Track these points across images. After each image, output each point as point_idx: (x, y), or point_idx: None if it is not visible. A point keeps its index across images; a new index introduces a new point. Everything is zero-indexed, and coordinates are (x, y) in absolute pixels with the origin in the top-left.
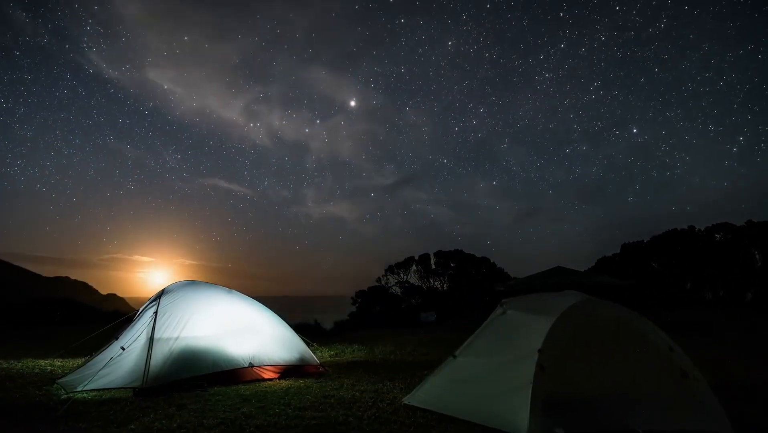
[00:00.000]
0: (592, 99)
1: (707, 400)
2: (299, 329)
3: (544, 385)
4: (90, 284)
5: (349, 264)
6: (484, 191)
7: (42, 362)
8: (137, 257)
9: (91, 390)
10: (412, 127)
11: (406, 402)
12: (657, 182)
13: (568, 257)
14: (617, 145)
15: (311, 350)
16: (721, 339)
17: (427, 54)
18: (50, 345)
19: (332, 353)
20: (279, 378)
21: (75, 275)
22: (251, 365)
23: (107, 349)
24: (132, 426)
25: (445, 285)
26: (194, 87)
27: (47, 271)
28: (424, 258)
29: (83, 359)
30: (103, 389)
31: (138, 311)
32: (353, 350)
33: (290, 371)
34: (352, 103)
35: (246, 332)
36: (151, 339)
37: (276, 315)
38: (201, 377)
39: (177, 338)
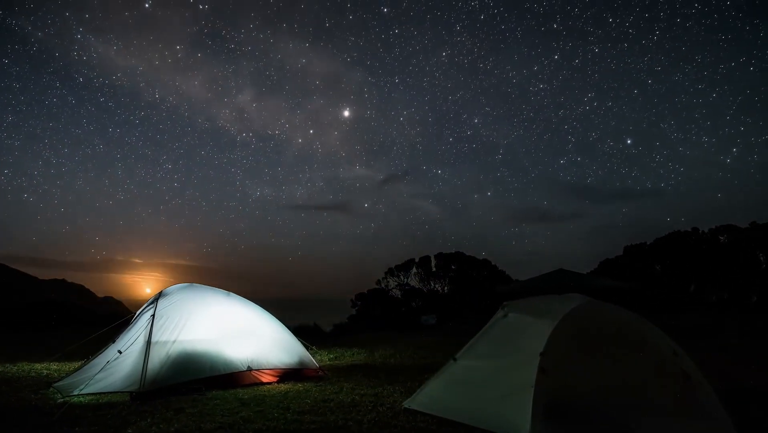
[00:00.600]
0: (586, 110)
1: (711, 404)
2: (298, 331)
3: (545, 389)
4: (86, 286)
5: (349, 266)
6: (480, 200)
7: (38, 366)
8: (132, 260)
9: (88, 394)
10: (406, 137)
11: (406, 406)
12: (652, 193)
13: (571, 259)
14: (612, 156)
15: (310, 354)
16: (725, 342)
17: (421, 64)
18: (46, 348)
19: (332, 356)
20: (278, 382)
21: (72, 277)
22: (250, 369)
23: (104, 352)
24: (129, 431)
25: (445, 288)
26: (186, 96)
27: (43, 274)
28: (425, 260)
29: (80, 363)
30: (100, 393)
31: (135, 313)
32: (353, 354)
33: (289, 374)
34: (346, 113)
35: (244, 335)
36: (148, 342)
37: (274, 318)
38: (199, 380)
39: (174, 342)
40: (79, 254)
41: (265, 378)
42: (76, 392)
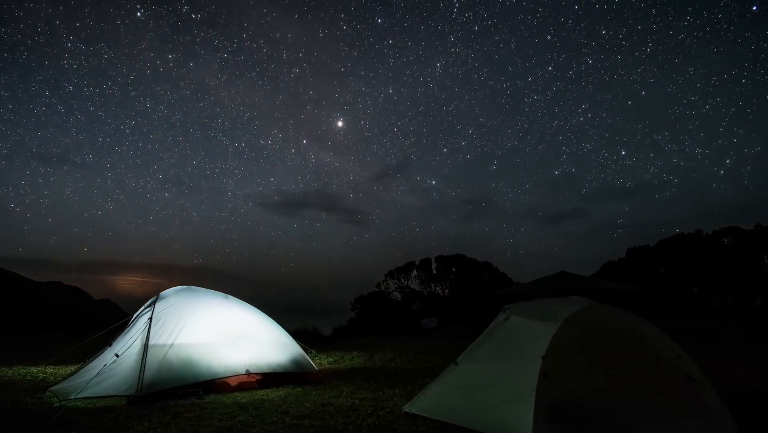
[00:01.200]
0: (581, 121)
1: (715, 408)
2: (297, 335)
3: (547, 392)
4: (83, 289)
5: (348, 269)
6: (475, 210)
7: (34, 369)
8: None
9: (85, 398)
10: (401, 147)
11: (406, 410)
12: (646, 204)
13: (573, 261)
14: (606, 167)
15: (309, 357)
16: (729, 345)
17: (415, 75)
18: (42, 352)
19: (331, 359)
20: (276, 386)
21: (68, 279)
22: (248, 372)
23: (101, 356)
24: None
25: (446, 290)
26: (178, 105)
27: (40, 275)
28: (425, 263)
29: (76, 366)
30: (97, 397)
31: (132, 316)
32: (352, 357)
33: (288, 378)
34: (340, 124)
35: (243, 338)
36: (145, 346)
37: (273, 321)
38: (197, 384)
39: (172, 345)
40: (65, 264)
41: (264, 382)
42: (72, 396)
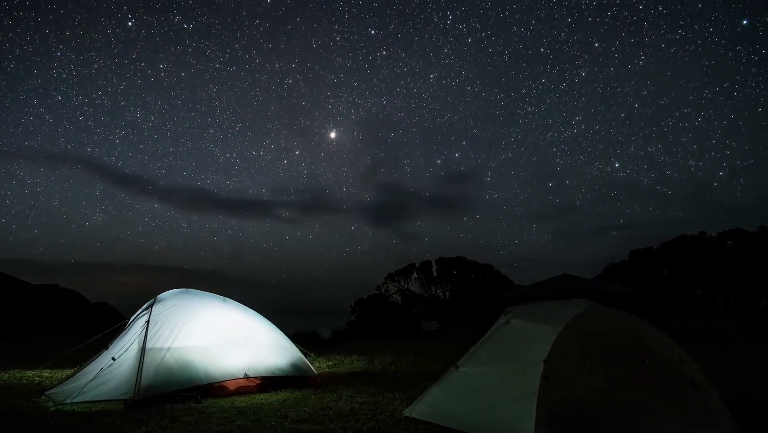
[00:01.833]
0: (574, 133)
1: (718, 412)
2: (296, 338)
3: (549, 396)
4: (80, 291)
5: (348, 271)
6: (470, 221)
7: (30, 373)
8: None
9: (81, 402)
10: (394, 158)
11: (406, 414)
12: (640, 216)
13: (575, 263)
14: (600, 179)
15: (309, 361)
16: (733, 349)
17: (408, 86)
18: (38, 355)
19: (330, 363)
20: (275, 390)
21: (64, 282)
22: (246, 376)
23: (97, 359)
24: None
25: (447, 293)
26: (169, 116)
27: (35, 278)
28: (426, 265)
29: (72, 370)
30: (93, 402)
31: (129, 319)
32: (352, 361)
33: (287, 382)
34: (333, 135)
35: (241, 341)
36: (142, 349)
37: (272, 324)
38: (194, 388)
39: (170, 348)
40: (59, 266)
41: (263, 386)
42: (69, 401)
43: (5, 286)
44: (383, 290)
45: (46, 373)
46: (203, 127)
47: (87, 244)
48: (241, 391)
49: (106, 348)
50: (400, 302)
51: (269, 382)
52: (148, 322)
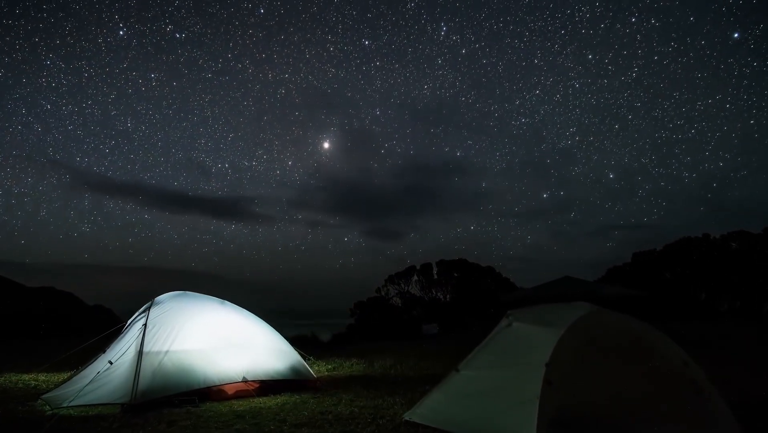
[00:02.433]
0: (568, 144)
1: (722, 416)
2: (295, 341)
3: (551, 400)
4: (76, 294)
5: (348, 274)
6: (464, 233)
7: (26, 377)
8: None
9: (78, 406)
10: (388, 169)
11: (406, 418)
12: (634, 228)
13: (577, 266)
14: (593, 190)
15: (308, 364)
16: (737, 353)
17: (402, 97)
18: (34, 359)
19: (330, 367)
20: (274, 393)
21: (61, 285)
22: (245, 380)
23: (94, 363)
24: None
25: (448, 296)
26: (160, 125)
27: (31, 280)
28: (426, 268)
29: (69, 374)
30: (90, 405)
31: (126, 323)
32: (351, 364)
33: (286, 385)
34: (326, 145)
35: (239, 345)
36: (140, 353)
37: (271, 327)
38: (192, 392)
39: (167, 352)
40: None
41: (261, 390)
42: (65, 404)
43: (0, 289)
44: (383, 293)
45: (42, 376)
46: (195, 137)
47: (75, 255)
48: (240, 395)
49: (103, 351)
50: (400, 304)
51: (268, 386)
52: (145, 325)
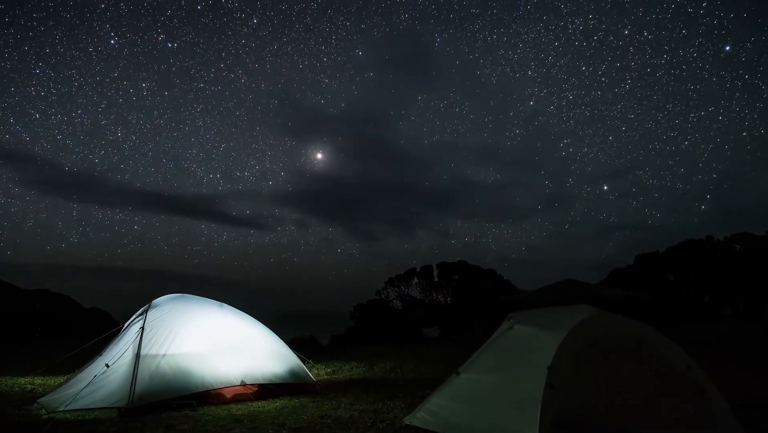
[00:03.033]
0: (562, 156)
1: (725, 419)
2: (294, 344)
3: (553, 404)
4: (73, 297)
5: (347, 277)
6: (459, 243)
7: (21, 380)
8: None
9: (74, 410)
10: (382, 181)
11: (407, 422)
12: (631, 239)
13: (579, 268)
14: (589, 201)
15: (307, 367)
16: (741, 355)
17: (396, 108)
18: (30, 362)
19: (329, 370)
20: (273, 397)
21: (56, 287)
22: (243, 383)
23: (91, 366)
24: None
25: (448, 298)
26: (150, 135)
27: (27, 283)
28: (427, 270)
29: (65, 377)
30: (87, 409)
31: (123, 325)
32: (351, 367)
33: (285, 389)
34: (319, 156)
35: (238, 348)
36: (137, 356)
37: (270, 330)
38: (190, 396)
39: (165, 355)
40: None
41: (260, 393)
42: (61, 408)
43: None
44: (383, 296)
45: (38, 380)
46: (186, 147)
47: (63, 265)
48: (238, 398)
49: (100, 355)
50: (400, 307)
51: (267, 389)
52: (142, 328)
